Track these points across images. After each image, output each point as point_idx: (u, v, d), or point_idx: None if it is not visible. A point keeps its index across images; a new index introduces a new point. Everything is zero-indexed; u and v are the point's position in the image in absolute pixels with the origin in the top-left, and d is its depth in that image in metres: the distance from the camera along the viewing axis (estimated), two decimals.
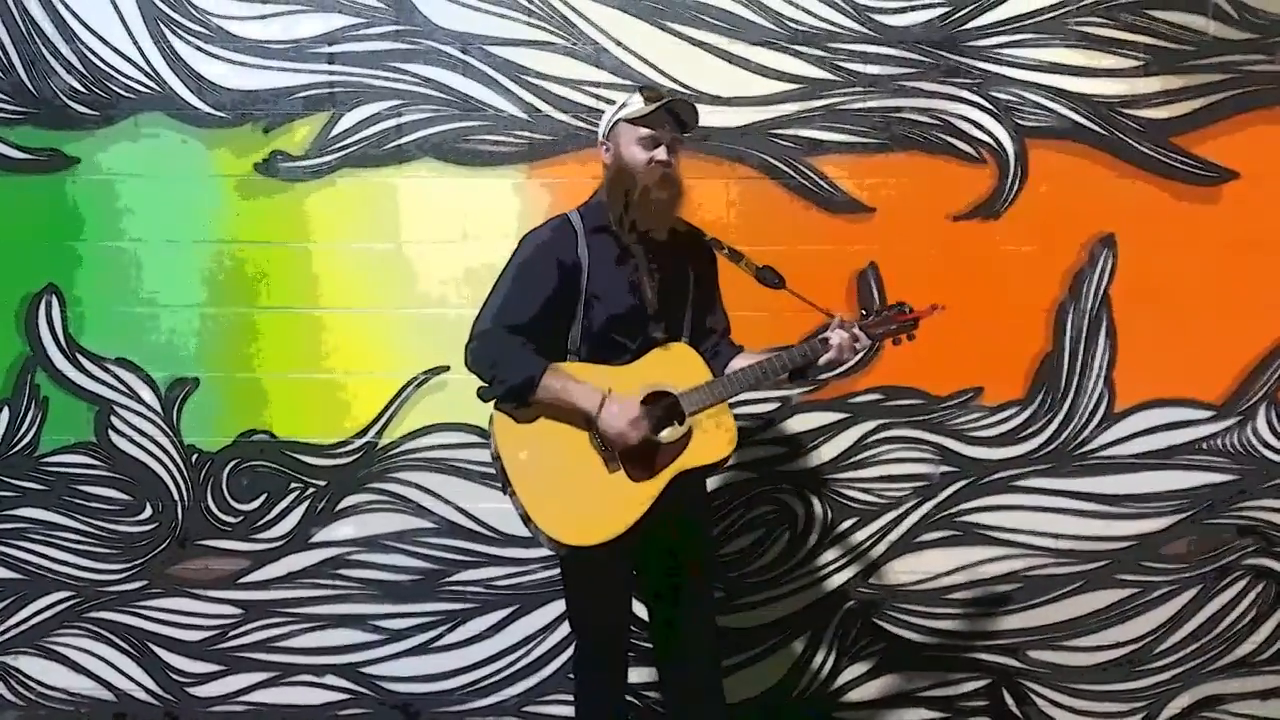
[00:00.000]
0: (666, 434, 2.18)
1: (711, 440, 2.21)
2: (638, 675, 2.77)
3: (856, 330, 2.20)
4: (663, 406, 2.19)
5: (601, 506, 2.15)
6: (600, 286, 2.21)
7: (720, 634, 2.58)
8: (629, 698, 2.54)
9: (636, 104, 2.22)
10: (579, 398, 2.13)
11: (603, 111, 2.80)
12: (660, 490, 2.17)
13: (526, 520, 2.15)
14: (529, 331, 2.17)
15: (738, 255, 2.33)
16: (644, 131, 2.20)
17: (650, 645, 2.49)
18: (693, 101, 2.28)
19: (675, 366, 2.22)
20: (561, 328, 2.22)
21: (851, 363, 2.23)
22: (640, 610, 2.63)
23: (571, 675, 2.93)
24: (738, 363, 2.27)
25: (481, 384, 2.20)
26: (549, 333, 2.20)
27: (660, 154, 2.19)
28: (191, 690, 3.01)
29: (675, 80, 2.83)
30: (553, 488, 2.15)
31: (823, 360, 2.20)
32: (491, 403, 2.21)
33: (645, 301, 2.22)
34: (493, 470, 2.89)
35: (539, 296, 2.18)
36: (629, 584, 2.36)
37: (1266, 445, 2.92)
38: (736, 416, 2.30)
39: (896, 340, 2.26)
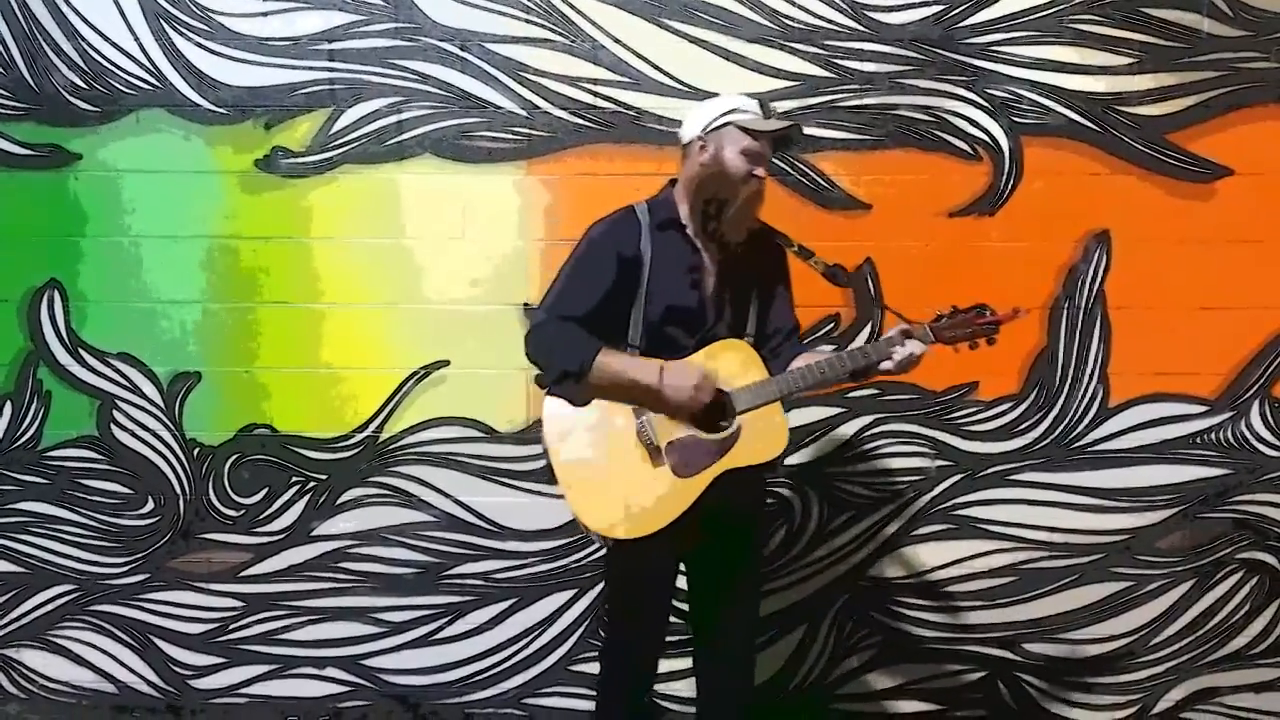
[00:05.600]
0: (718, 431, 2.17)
1: (760, 440, 2.18)
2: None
3: (923, 344, 2.16)
4: (715, 403, 2.16)
5: (643, 501, 2.14)
6: (661, 281, 2.19)
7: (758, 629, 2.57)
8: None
9: (753, 112, 2.18)
10: (637, 371, 2.12)
11: (599, 107, 2.86)
12: (703, 489, 2.15)
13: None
14: (584, 323, 2.16)
15: (807, 252, 2.30)
16: (753, 144, 2.15)
17: (686, 636, 2.48)
18: (800, 129, 2.25)
19: (730, 363, 2.19)
20: (621, 321, 2.21)
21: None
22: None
23: (571, 667, 2.98)
24: (798, 363, 2.23)
25: (540, 372, 2.22)
26: (606, 325, 2.20)
27: (761, 171, 2.17)
28: (193, 682, 3.03)
29: (672, 77, 2.85)
30: (596, 480, 2.17)
31: (884, 367, 2.17)
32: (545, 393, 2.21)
33: (705, 299, 2.22)
34: (493, 464, 2.95)
35: (596, 289, 2.17)
36: (673, 577, 2.34)
37: (1260, 439, 2.94)
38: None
39: (973, 345, 2.21)
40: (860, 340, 2.88)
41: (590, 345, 2.14)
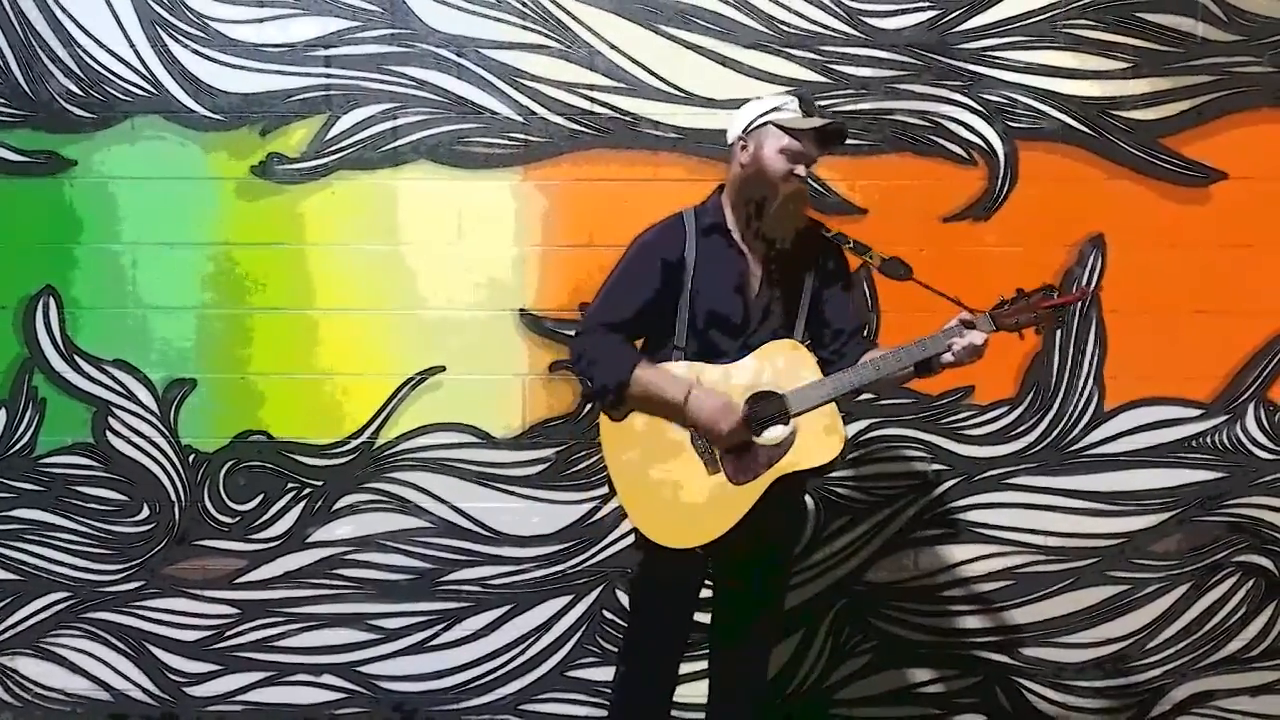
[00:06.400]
0: (771, 435, 2.14)
1: (817, 442, 2.15)
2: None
3: (982, 334, 2.10)
4: (769, 406, 2.15)
5: (701, 509, 2.14)
6: (704, 285, 2.19)
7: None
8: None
9: (792, 111, 2.16)
10: (667, 388, 2.13)
11: (596, 113, 2.86)
12: (760, 494, 2.14)
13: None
14: (627, 330, 2.19)
15: (863, 247, 2.29)
16: (793, 143, 2.14)
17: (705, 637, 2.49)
18: (844, 126, 2.23)
19: (784, 365, 2.17)
20: (667, 326, 2.21)
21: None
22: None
23: (568, 673, 2.97)
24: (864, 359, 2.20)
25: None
26: (651, 331, 2.21)
27: (801, 170, 2.15)
28: (188, 690, 3.02)
29: (668, 82, 2.85)
30: (653, 490, 2.17)
31: (944, 359, 2.12)
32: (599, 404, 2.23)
33: (749, 303, 2.21)
34: (489, 470, 2.95)
35: (639, 296, 2.19)
36: (701, 581, 2.35)
37: (1255, 443, 2.94)
38: None
39: (1039, 330, 2.15)
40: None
41: (626, 362, 2.15)
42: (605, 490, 2.92)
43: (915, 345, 2.13)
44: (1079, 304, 2.14)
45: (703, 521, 2.14)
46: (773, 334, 2.22)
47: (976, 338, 2.10)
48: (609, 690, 2.50)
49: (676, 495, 2.16)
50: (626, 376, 2.14)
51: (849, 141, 2.80)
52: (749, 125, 2.19)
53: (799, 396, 2.14)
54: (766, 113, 2.17)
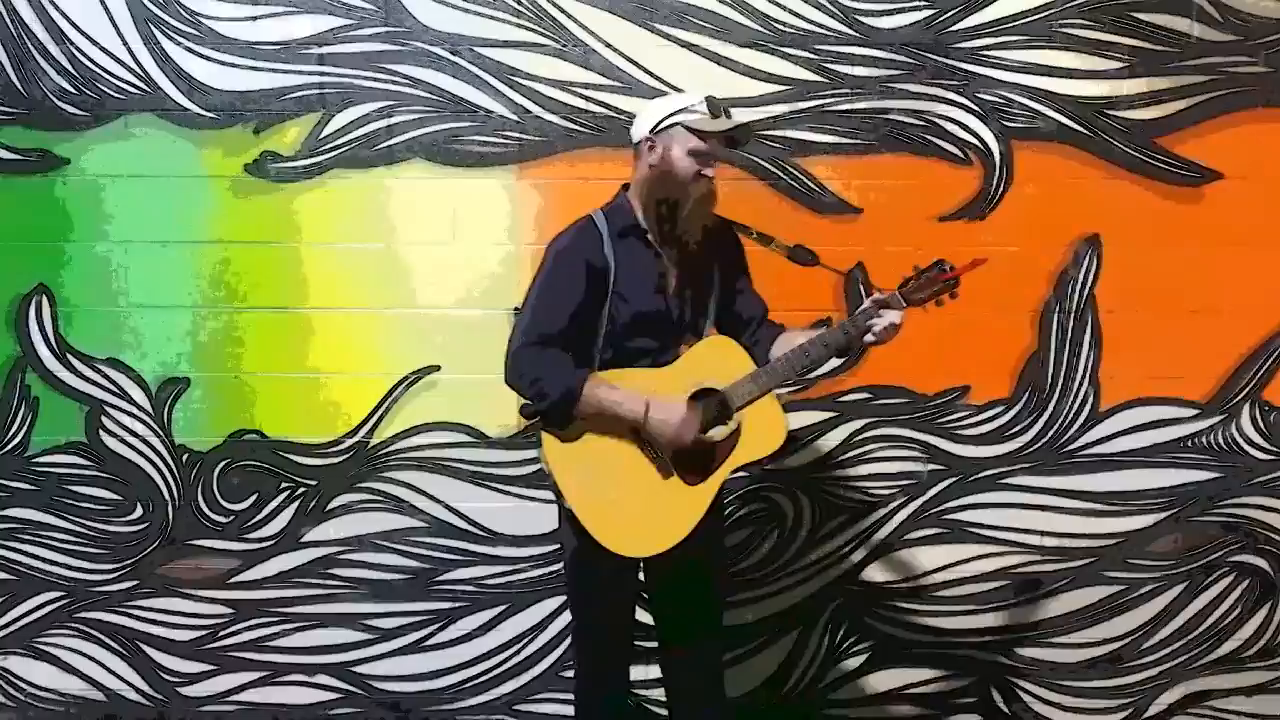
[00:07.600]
0: (716, 432, 2.16)
1: (762, 433, 2.18)
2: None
3: (898, 312, 2.13)
4: (710, 404, 2.16)
5: (661, 514, 2.14)
6: (626, 287, 2.19)
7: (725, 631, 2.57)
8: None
9: (701, 113, 2.16)
10: (623, 407, 2.12)
11: (591, 111, 2.85)
12: (716, 491, 2.16)
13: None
14: (562, 340, 2.16)
15: (767, 238, 2.33)
16: (701, 145, 2.14)
17: (653, 643, 2.49)
18: (751, 128, 2.25)
19: (718, 361, 2.19)
20: (588, 329, 2.19)
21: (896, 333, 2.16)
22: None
23: (563, 673, 2.97)
24: (780, 346, 2.23)
25: (523, 400, 2.21)
26: (582, 337, 2.19)
27: (710, 171, 2.16)
28: (182, 690, 3.01)
29: (663, 81, 2.85)
30: (610, 501, 2.15)
31: (866, 340, 2.15)
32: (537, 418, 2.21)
33: (669, 301, 2.22)
34: (484, 470, 2.94)
35: (568, 304, 2.16)
36: (635, 581, 2.35)
37: (1250, 443, 2.95)
38: None
39: (940, 302, 2.18)
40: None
41: (572, 377, 2.13)
42: None
43: (838, 329, 2.16)
44: (969, 270, 2.18)
45: (663, 526, 2.14)
46: (692, 329, 2.24)
47: (895, 316, 2.13)
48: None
49: (633, 503, 2.15)
50: (576, 392, 2.11)
51: (844, 140, 2.85)
52: (657, 126, 2.18)
53: (738, 390, 2.16)
54: (674, 113, 2.16)
